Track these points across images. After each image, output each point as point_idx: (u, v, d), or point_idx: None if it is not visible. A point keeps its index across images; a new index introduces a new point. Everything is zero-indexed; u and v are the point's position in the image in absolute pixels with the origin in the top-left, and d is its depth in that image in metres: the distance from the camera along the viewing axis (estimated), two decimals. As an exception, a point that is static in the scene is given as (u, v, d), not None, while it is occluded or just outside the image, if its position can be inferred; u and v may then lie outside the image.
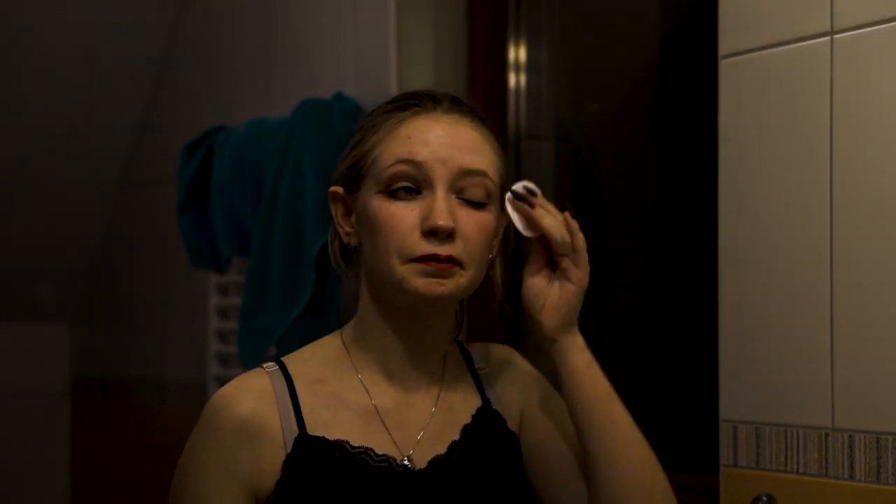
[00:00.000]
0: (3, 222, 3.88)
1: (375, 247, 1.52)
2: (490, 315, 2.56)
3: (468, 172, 1.53)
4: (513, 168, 1.61)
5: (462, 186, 1.52)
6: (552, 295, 1.55)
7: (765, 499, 1.86)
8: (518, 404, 1.65)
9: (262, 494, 1.52)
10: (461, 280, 1.52)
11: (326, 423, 1.54)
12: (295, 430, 1.53)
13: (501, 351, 1.71)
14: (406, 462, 1.54)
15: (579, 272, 1.55)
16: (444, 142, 1.53)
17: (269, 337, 2.67)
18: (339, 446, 1.53)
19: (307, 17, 3.01)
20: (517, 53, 2.69)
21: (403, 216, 1.51)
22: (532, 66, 2.69)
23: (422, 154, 1.52)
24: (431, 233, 1.50)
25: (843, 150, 1.79)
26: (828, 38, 1.81)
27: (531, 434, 1.63)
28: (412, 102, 1.57)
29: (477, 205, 1.54)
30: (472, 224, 1.52)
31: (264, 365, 1.59)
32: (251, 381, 1.56)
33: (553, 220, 1.54)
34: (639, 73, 2.58)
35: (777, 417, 1.88)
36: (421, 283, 1.50)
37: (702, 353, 2.13)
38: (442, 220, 1.49)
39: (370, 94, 2.68)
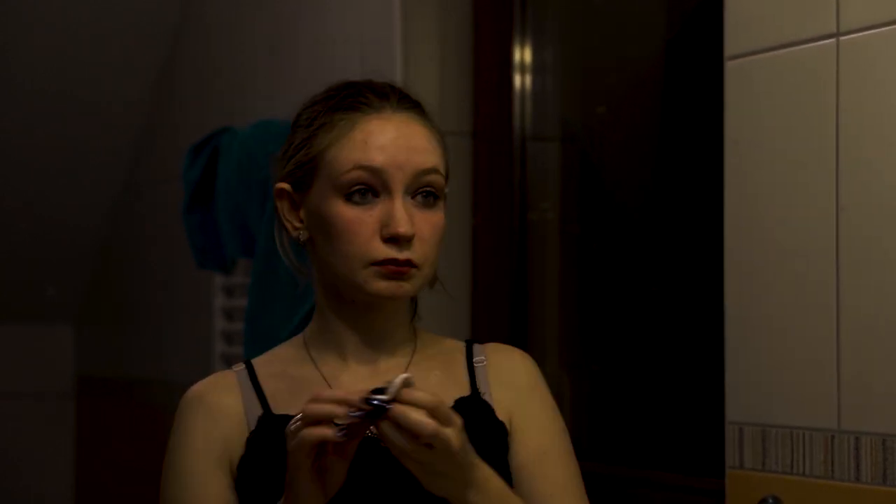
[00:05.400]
0: (8, 223, 3.89)
1: (334, 249, 1.58)
2: (493, 315, 2.58)
3: (423, 172, 1.58)
4: (448, 152, 1.63)
5: (417, 186, 1.58)
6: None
7: (770, 501, 1.86)
8: (508, 406, 1.63)
9: (234, 471, 1.59)
10: (418, 280, 1.59)
11: (289, 405, 1.57)
12: (259, 412, 1.60)
13: (511, 353, 1.70)
14: (370, 433, 1.48)
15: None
16: (400, 144, 1.57)
17: (274, 338, 2.64)
18: None
19: (313, 18, 3.01)
20: (523, 54, 2.69)
21: (363, 221, 1.56)
22: (537, 68, 2.69)
23: (378, 160, 1.56)
24: (392, 239, 1.56)
25: (849, 152, 1.79)
26: (833, 40, 1.81)
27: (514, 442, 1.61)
28: (360, 101, 1.59)
29: (431, 201, 1.59)
30: (428, 226, 1.58)
31: (233, 366, 1.68)
32: (217, 377, 1.67)
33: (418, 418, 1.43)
34: (644, 75, 2.58)
35: (783, 419, 1.87)
36: (383, 286, 1.57)
37: (708, 355, 2.12)
38: (402, 228, 1.55)
39: (376, 95, 2.67)
